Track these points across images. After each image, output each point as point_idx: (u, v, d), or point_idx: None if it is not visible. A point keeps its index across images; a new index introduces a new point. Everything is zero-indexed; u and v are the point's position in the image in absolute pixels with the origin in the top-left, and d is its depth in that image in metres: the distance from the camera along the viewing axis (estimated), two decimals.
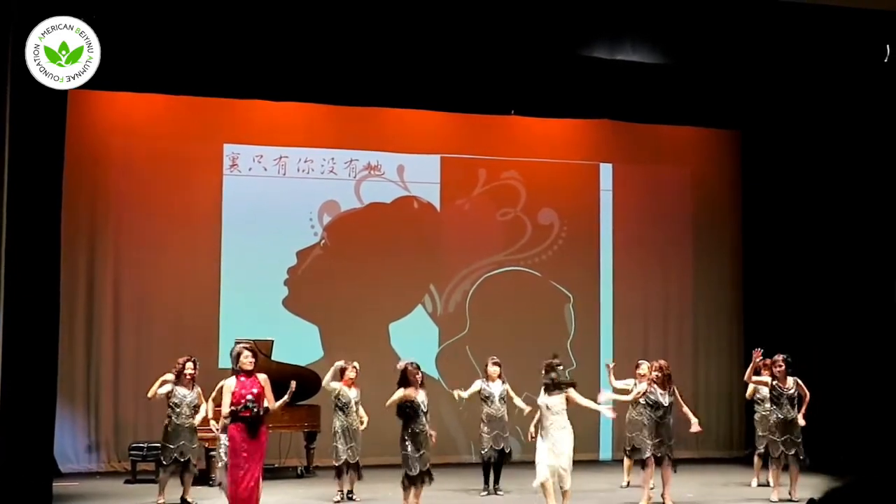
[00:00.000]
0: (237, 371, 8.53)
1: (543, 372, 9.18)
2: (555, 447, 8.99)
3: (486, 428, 10.89)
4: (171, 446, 10.02)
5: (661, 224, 15.02)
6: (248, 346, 8.72)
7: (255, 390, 8.44)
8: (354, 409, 10.25)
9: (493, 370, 10.99)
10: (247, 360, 8.43)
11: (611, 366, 11.04)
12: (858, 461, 11.87)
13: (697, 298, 15.14)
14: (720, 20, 10.96)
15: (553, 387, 9.09)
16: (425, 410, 9.24)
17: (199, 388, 10.15)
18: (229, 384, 8.56)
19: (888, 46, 11.09)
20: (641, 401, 10.43)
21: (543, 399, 9.11)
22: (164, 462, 10.07)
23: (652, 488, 10.24)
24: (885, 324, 12.22)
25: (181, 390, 10.04)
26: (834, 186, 13.32)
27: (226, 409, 8.60)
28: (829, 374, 13.06)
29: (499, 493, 10.97)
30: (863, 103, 12.58)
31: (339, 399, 10.25)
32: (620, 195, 15.01)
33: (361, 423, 10.30)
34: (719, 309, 15.20)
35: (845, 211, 13.09)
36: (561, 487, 9.07)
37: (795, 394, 10.51)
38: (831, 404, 12.65)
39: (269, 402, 8.61)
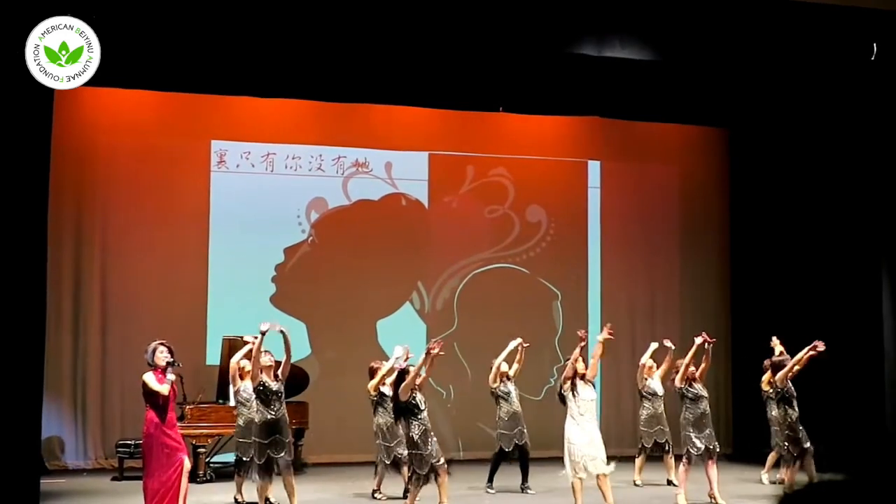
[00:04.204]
0: (153, 366, 8.45)
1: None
2: (594, 440, 9.06)
3: (507, 425, 10.79)
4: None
5: (648, 221, 15.06)
6: (164, 342, 8.62)
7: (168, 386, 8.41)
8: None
9: (503, 373, 10.93)
10: (162, 356, 8.40)
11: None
12: (842, 459, 11.92)
13: (685, 296, 15.17)
14: (709, 17, 10.97)
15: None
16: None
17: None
18: (149, 378, 8.40)
19: (875, 44, 11.13)
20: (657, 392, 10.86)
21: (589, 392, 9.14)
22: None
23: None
24: (872, 322, 12.27)
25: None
26: (822, 185, 13.36)
27: (161, 388, 8.39)
28: (816, 373, 13.10)
29: (528, 491, 10.82)
30: (850, 101, 12.61)
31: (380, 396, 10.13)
32: (608, 192, 15.03)
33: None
34: (706, 306, 15.22)
35: (833, 209, 13.12)
36: (604, 474, 9.05)
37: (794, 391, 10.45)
38: (818, 403, 12.69)
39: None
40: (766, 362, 10.80)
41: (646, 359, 11.47)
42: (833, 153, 13.13)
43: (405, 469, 9.67)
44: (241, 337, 10.29)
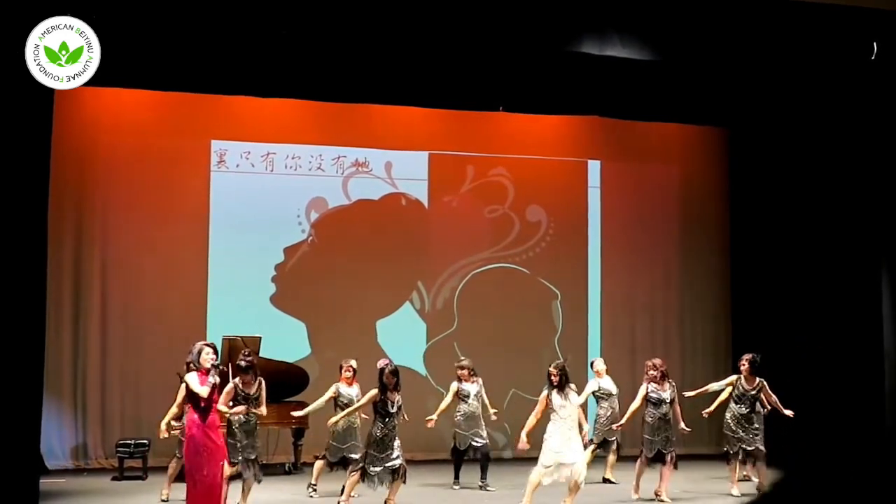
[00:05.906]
0: (197, 367, 8.43)
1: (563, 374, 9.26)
2: (571, 445, 9.11)
3: (463, 425, 11.07)
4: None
5: (649, 221, 15.06)
6: (210, 343, 8.62)
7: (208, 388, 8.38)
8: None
9: (462, 373, 11.15)
10: (207, 358, 8.39)
11: None
12: (841, 459, 11.92)
13: (685, 295, 15.17)
14: (709, 17, 10.97)
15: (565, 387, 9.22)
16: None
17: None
18: (192, 379, 8.36)
19: (875, 44, 11.12)
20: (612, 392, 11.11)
21: (560, 400, 9.16)
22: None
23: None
24: (872, 322, 12.26)
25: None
26: (821, 184, 13.35)
27: (202, 390, 8.34)
28: (815, 372, 13.10)
29: (488, 489, 11.00)
30: (850, 101, 12.60)
31: (339, 400, 10.20)
32: (608, 192, 15.03)
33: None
34: (706, 306, 15.24)
35: (833, 209, 13.11)
36: (576, 482, 9.16)
37: (759, 394, 10.60)
38: (817, 402, 12.70)
39: (220, 403, 8.70)
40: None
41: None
42: (833, 153, 13.12)
43: (351, 468, 9.73)
44: (242, 338, 10.26)
